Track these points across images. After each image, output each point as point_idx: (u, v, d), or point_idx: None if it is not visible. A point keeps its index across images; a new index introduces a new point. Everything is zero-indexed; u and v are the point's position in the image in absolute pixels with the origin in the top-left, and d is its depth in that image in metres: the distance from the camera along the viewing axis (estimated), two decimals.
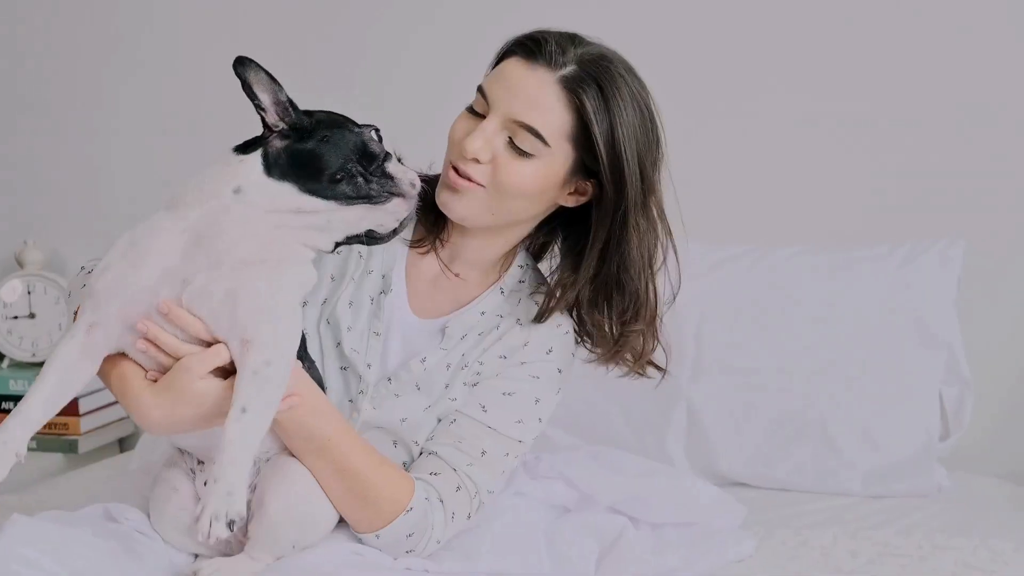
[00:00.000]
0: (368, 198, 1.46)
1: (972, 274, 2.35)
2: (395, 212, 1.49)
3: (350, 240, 1.51)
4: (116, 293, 1.42)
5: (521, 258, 1.77)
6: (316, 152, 1.45)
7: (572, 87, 1.59)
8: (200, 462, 1.57)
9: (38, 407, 1.42)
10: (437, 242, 1.72)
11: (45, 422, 1.43)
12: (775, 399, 2.24)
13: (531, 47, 1.62)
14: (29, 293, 2.81)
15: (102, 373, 1.48)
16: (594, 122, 1.59)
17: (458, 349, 1.69)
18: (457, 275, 1.73)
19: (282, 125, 1.45)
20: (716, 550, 1.81)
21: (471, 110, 1.65)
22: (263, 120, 1.46)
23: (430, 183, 1.63)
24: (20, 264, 2.84)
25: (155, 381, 1.45)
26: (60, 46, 2.90)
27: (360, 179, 1.46)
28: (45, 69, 2.92)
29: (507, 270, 1.75)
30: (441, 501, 1.61)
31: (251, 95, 1.44)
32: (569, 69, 1.60)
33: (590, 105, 1.58)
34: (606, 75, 1.60)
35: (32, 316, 2.81)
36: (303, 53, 2.73)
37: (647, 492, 1.87)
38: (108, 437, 2.74)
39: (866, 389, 2.22)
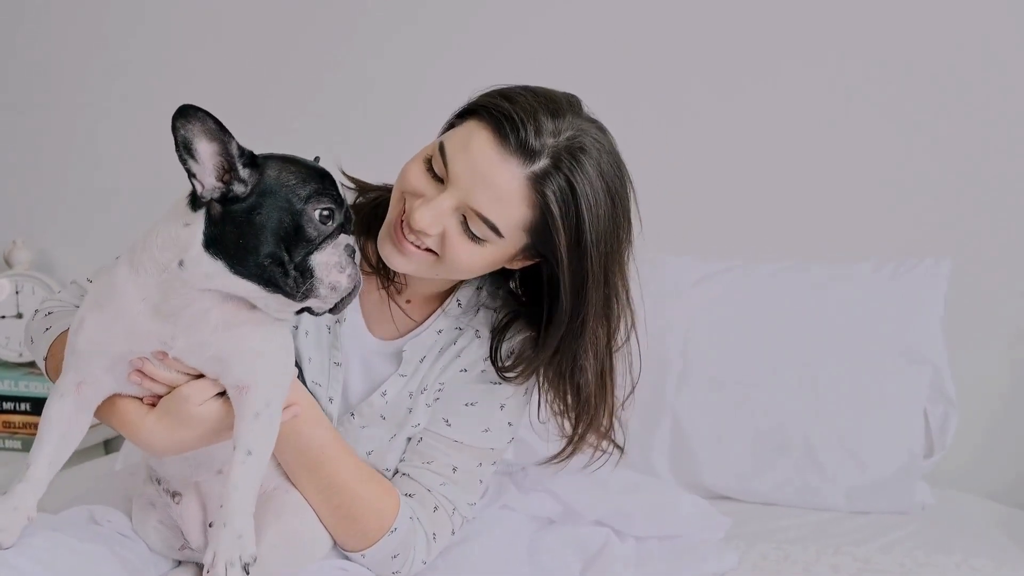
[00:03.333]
0: (283, 293, 1.35)
1: (958, 293, 2.36)
2: (317, 306, 1.38)
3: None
4: (100, 351, 1.41)
5: None
6: (244, 230, 1.33)
7: (541, 188, 1.47)
8: (175, 493, 1.55)
9: (44, 468, 1.43)
10: (386, 279, 1.66)
11: (50, 479, 1.44)
12: (760, 414, 2.24)
13: (504, 124, 1.47)
14: (17, 293, 2.81)
15: (99, 415, 1.48)
16: (561, 229, 1.49)
17: (417, 374, 1.66)
18: (408, 302, 1.69)
19: (217, 192, 1.34)
20: (697, 563, 1.82)
21: (428, 164, 1.52)
22: (193, 191, 1.35)
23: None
24: (8, 264, 2.84)
25: (152, 405, 1.45)
26: (49, 47, 2.90)
27: (279, 270, 1.34)
28: (33, 70, 2.92)
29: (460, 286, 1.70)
30: (420, 521, 1.61)
31: (183, 157, 1.32)
32: (541, 165, 1.47)
33: (557, 211, 1.48)
34: (580, 172, 1.48)
35: (20, 316, 2.80)
36: (288, 47, 2.70)
37: (631, 506, 1.88)
38: (93, 439, 2.73)
39: (851, 405, 2.23)
